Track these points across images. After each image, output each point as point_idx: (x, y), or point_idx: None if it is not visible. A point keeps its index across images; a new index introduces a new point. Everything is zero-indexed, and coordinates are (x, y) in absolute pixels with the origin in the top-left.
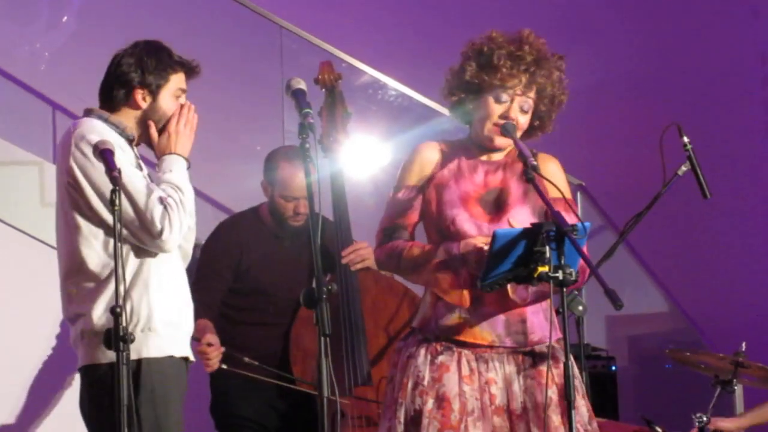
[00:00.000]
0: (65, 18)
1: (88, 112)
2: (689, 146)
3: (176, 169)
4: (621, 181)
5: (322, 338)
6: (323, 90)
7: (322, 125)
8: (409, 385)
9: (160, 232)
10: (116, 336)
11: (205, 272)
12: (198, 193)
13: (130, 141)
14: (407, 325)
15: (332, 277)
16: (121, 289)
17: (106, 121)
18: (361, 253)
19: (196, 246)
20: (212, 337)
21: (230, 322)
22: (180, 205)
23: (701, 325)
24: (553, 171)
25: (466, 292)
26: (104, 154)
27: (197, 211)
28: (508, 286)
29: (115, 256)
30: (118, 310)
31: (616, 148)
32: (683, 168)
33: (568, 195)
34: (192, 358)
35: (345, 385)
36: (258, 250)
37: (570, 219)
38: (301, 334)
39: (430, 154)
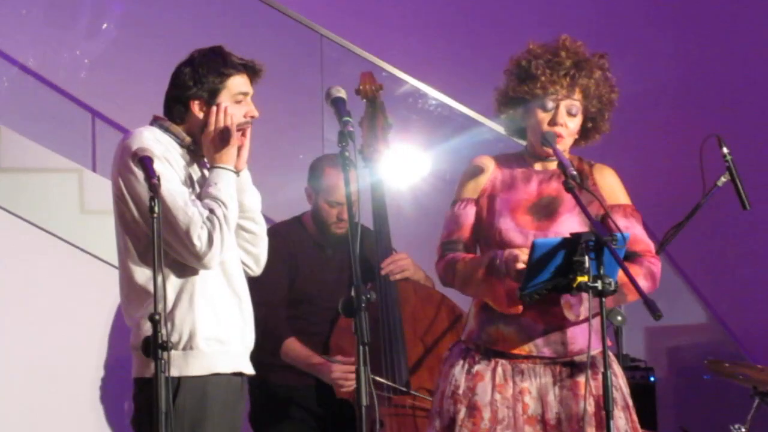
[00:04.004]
0: (105, 25)
1: (153, 120)
2: (729, 157)
3: (221, 183)
4: (660, 191)
5: (361, 347)
6: (364, 100)
7: (362, 136)
8: (446, 394)
9: (199, 250)
10: (155, 344)
11: (269, 286)
12: None
13: (191, 152)
14: (445, 334)
15: (371, 286)
16: (160, 296)
17: (167, 130)
18: (401, 264)
19: None
20: (339, 357)
21: None
22: (223, 220)
23: (740, 336)
24: (610, 181)
25: (512, 301)
26: (143, 161)
27: None
28: (562, 305)
29: (154, 263)
30: (157, 317)
31: (655, 158)
32: (723, 179)
33: (626, 201)
34: (248, 372)
35: (384, 393)
36: (304, 259)
37: (628, 224)
38: (340, 343)
39: (485, 166)
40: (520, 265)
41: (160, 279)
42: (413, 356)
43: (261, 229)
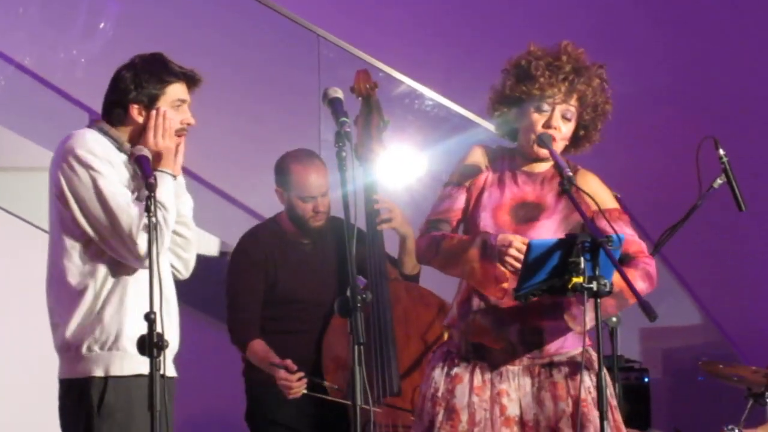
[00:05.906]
0: (102, 24)
1: (91, 123)
2: (725, 159)
3: (161, 186)
4: (656, 193)
5: (356, 347)
6: (359, 99)
7: (356, 134)
8: (427, 396)
9: (140, 249)
10: (150, 343)
11: (239, 289)
12: (235, 202)
13: (128, 156)
14: (438, 335)
15: (365, 285)
16: (156, 294)
17: (105, 133)
18: (393, 213)
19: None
20: (287, 362)
21: (263, 332)
22: (162, 222)
23: (735, 338)
24: (594, 185)
25: (500, 285)
26: (139, 160)
27: (234, 219)
28: (565, 316)
29: (150, 260)
30: (153, 316)
31: (651, 160)
32: (719, 180)
33: (612, 205)
34: (171, 374)
35: (375, 395)
36: (284, 260)
37: (616, 228)
38: (333, 342)
39: (481, 157)
40: (513, 251)
41: (156, 282)
42: (406, 357)
43: (192, 235)
